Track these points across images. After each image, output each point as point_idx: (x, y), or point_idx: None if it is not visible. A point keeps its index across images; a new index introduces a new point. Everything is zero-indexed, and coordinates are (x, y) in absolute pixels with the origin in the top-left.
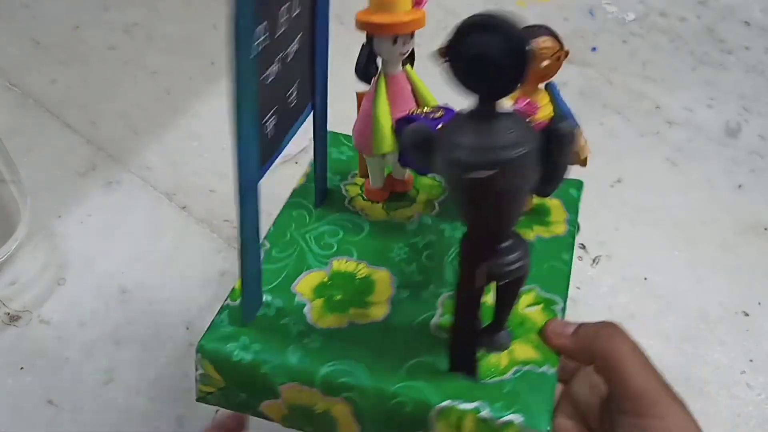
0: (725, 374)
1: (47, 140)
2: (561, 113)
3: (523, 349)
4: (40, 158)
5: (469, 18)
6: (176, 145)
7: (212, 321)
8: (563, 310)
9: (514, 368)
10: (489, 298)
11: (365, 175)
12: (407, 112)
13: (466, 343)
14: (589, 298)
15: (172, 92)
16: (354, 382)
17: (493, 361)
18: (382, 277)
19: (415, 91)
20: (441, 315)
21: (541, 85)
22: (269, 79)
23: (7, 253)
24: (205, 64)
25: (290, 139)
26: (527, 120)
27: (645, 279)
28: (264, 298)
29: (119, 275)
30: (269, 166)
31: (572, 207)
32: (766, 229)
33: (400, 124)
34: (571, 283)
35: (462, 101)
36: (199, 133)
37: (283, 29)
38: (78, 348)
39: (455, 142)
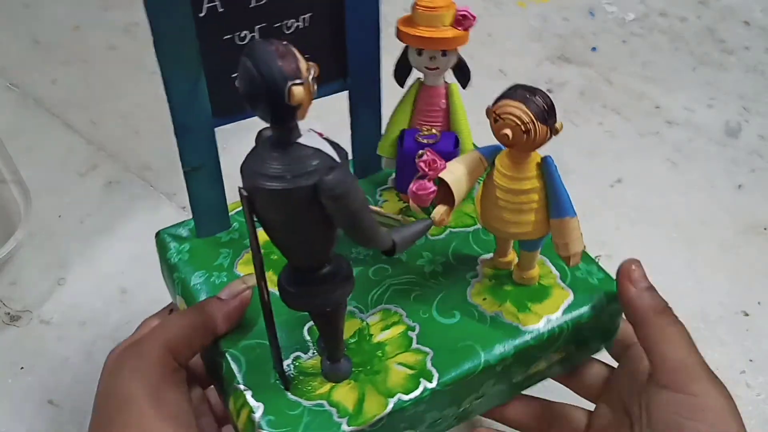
0: (725, 374)
1: (48, 140)
2: (544, 191)
3: (343, 391)
4: (41, 158)
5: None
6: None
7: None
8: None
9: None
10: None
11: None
12: (419, 126)
13: (275, 357)
14: None
15: None
16: None
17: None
18: None
19: (450, 109)
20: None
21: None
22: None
23: (7, 253)
24: None
25: None
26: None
27: None
28: None
29: (119, 275)
30: (231, 120)
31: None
32: (766, 229)
33: (403, 135)
34: None
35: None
36: None
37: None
38: (78, 348)
39: (247, 157)
